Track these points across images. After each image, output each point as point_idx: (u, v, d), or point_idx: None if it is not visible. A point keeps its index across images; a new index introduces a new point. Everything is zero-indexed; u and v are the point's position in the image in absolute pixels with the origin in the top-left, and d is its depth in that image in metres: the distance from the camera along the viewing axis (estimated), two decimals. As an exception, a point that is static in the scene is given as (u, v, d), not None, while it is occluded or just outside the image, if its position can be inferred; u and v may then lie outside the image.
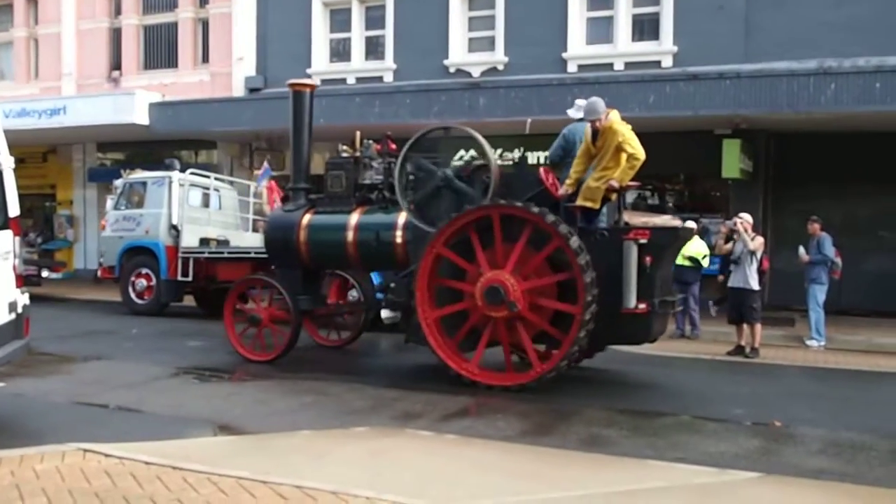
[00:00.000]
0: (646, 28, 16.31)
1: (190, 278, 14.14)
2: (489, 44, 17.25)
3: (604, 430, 6.55)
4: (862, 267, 14.57)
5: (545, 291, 7.93)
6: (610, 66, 16.09)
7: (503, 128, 15.41)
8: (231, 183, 16.78)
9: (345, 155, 9.60)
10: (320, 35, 18.90)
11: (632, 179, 7.96)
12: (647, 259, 7.56)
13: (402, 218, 8.87)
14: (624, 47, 16.13)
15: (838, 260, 12.05)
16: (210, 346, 10.69)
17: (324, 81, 18.65)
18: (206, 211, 15.28)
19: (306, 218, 9.47)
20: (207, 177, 15.53)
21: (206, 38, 20.15)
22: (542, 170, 8.30)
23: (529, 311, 7.89)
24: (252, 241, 15.65)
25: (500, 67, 16.89)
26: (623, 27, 16.22)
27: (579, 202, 7.92)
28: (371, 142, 9.67)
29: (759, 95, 13.11)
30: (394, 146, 9.41)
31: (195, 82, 19.88)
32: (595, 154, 7.94)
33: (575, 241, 7.58)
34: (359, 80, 18.36)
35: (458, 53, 17.40)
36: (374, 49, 18.68)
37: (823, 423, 6.86)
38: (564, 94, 14.44)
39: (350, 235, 9.12)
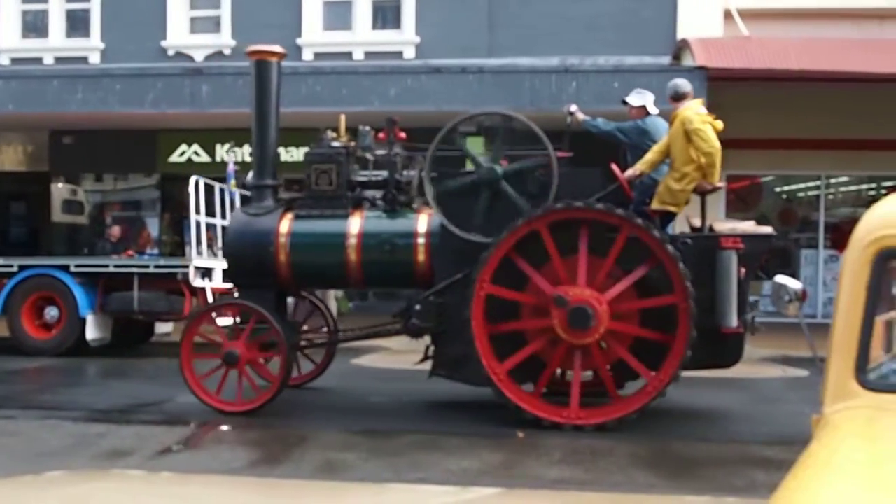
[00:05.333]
0: (388, 16, 16.71)
1: None
2: (214, 25, 16.88)
3: (340, 455, 6.58)
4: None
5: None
6: (349, 55, 16.31)
7: (231, 119, 15.12)
8: None
9: (335, 144, 8.33)
10: (9, 4, 17.53)
11: None
12: (742, 271, 7.26)
13: (421, 223, 8.04)
14: (364, 35, 16.42)
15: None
16: None
17: (14, 60, 17.37)
18: None
19: (285, 224, 8.18)
20: None
21: None
22: (614, 166, 7.67)
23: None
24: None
25: (227, 52, 16.57)
26: (362, 13, 16.51)
27: (658, 205, 7.49)
28: (369, 129, 8.54)
29: (502, 92, 13.82)
30: (403, 135, 8.32)
31: None
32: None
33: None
34: (58, 59, 17.25)
35: (179, 34, 16.85)
36: (77, 24, 17.64)
37: (564, 431, 7.31)
38: (298, 84, 14.43)
39: (352, 246, 8.00)
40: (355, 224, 8.05)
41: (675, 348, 7.18)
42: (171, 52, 16.75)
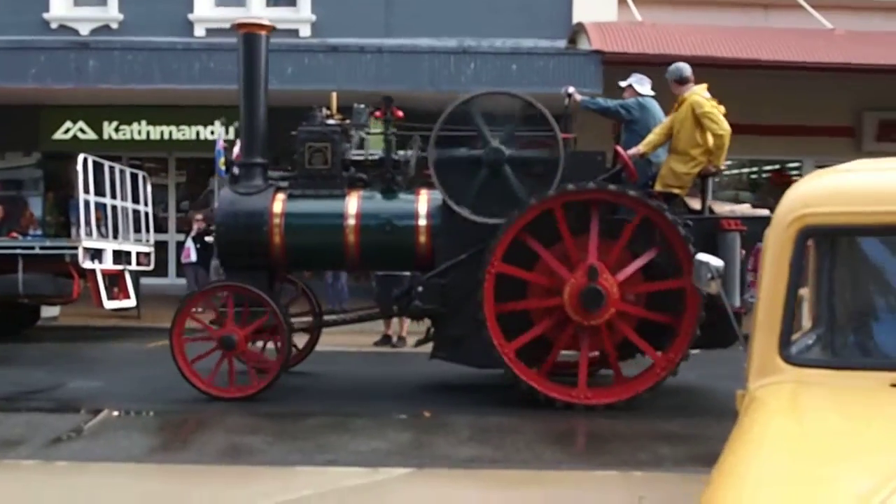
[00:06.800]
0: (282, -8, 16.35)
1: None
2: (101, -3, 16.18)
3: (246, 438, 6.44)
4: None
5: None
6: (243, 31, 15.87)
7: (120, 96, 14.63)
8: None
9: (331, 122, 8.07)
10: None
11: None
12: (742, 252, 7.32)
13: (422, 204, 7.86)
14: (258, 12, 15.94)
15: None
16: None
17: None
18: None
19: (278, 203, 7.88)
20: None
21: None
22: (618, 148, 7.60)
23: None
24: None
25: (115, 26, 15.90)
26: (257, -12, 16.11)
27: (661, 188, 7.53)
28: (364, 107, 8.27)
29: (401, 71, 13.72)
30: (401, 114, 8.09)
31: None
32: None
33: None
34: (-69, 31, 16.23)
35: (62, 6, 16.07)
36: (-49, -6, 16.62)
37: (470, 410, 7.35)
38: (191, 60, 14.04)
39: (350, 226, 7.77)
40: (353, 205, 7.87)
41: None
42: (54, 25, 15.95)
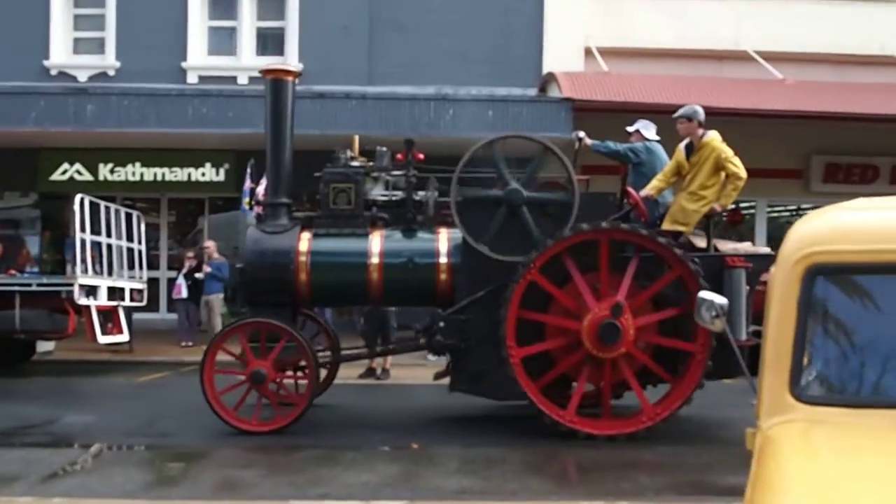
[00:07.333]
0: (270, 42, 16.21)
1: None
2: (98, 46, 15.91)
3: (239, 472, 6.11)
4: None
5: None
6: (233, 79, 15.69)
7: (116, 139, 14.37)
8: None
9: (355, 164, 7.92)
10: None
11: None
12: (747, 288, 7.16)
13: (442, 243, 7.68)
14: (248, 60, 15.83)
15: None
16: None
17: None
18: None
19: (304, 242, 7.67)
20: None
21: None
22: (629, 189, 7.48)
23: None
24: None
25: (112, 73, 15.65)
26: (247, 39, 15.97)
27: (669, 226, 7.40)
28: (386, 149, 8.04)
29: (383, 117, 13.57)
30: (421, 156, 7.87)
31: None
32: (687, 172, 7.51)
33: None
34: (-64, 78, 15.88)
35: (61, 54, 15.82)
36: (-46, 42, 16.28)
37: (456, 441, 7.08)
38: (185, 106, 13.84)
39: (374, 265, 7.58)
40: (376, 243, 7.70)
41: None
42: (53, 72, 15.68)
